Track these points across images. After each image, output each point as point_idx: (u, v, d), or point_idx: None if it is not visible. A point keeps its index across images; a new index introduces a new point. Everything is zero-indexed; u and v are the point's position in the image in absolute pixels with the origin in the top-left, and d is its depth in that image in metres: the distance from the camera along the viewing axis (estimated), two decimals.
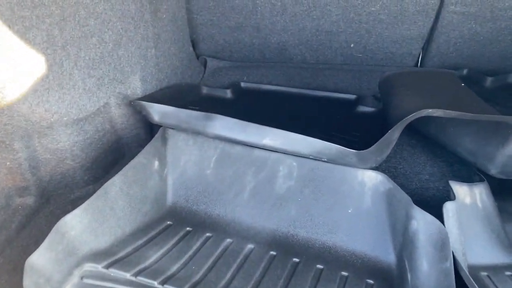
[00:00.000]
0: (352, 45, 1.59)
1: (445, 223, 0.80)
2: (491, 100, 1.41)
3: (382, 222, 0.89)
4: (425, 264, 0.75)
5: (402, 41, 1.54)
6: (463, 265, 0.75)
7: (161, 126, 1.08)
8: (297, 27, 1.56)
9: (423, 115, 0.85)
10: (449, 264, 0.71)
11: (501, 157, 0.95)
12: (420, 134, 1.22)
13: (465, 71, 1.52)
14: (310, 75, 1.59)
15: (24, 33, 0.81)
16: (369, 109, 1.33)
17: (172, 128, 1.07)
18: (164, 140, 1.06)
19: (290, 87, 1.51)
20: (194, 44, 1.66)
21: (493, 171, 0.98)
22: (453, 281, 0.69)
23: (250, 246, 0.90)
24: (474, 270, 0.83)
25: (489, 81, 1.49)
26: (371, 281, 0.82)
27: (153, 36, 1.21)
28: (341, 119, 1.31)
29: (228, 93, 1.45)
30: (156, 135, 1.04)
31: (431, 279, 0.73)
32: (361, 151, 0.91)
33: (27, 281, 0.70)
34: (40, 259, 0.72)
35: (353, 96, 1.41)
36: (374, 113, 1.30)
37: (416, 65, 1.62)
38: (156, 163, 1.01)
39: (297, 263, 0.86)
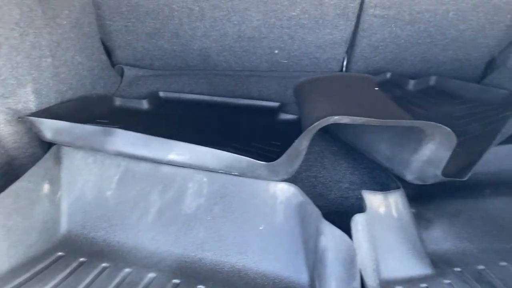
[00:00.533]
0: (276, 51, 1.54)
1: (354, 237, 0.75)
2: (414, 102, 1.41)
3: (295, 239, 0.83)
4: (333, 284, 0.70)
5: (325, 46, 1.51)
6: (373, 283, 0.70)
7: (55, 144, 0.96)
8: (218, 32, 1.49)
9: (329, 122, 0.80)
10: (356, 284, 0.66)
11: (416, 162, 0.93)
12: (342, 141, 1.19)
13: (388, 75, 1.52)
14: (235, 83, 1.53)
15: None
16: (292, 116, 1.29)
17: (68, 146, 0.96)
18: (58, 159, 0.95)
19: (213, 96, 1.44)
20: (109, 52, 1.54)
21: (409, 177, 0.96)
22: None
23: (151, 275, 0.81)
24: (388, 285, 0.79)
25: (411, 84, 1.50)
26: None
27: (49, 44, 1.09)
28: (263, 127, 1.25)
29: (145, 104, 1.36)
30: (46, 155, 0.93)
31: None
32: (271, 162, 0.85)
33: None
34: None
35: (276, 104, 1.36)
36: (296, 120, 1.25)
37: (341, 70, 1.60)
38: (46, 186, 0.90)
39: None
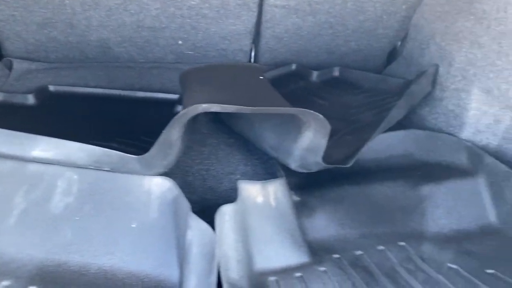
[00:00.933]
0: (180, 42, 1.49)
1: (218, 229, 0.73)
2: (316, 93, 1.42)
3: (168, 235, 0.79)
4: (193, 280, 0.67)
5: (230, 37, 1.48)
6: (236, 275, 0.68)
7: None
8: (116, 22, 1.41)
9: (198, 111, 0.77)
10: (214, 278, 0.63)
11: (297, 150, 0.92)
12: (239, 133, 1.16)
13: (293, 66, 1.53)
14: (136, 75, 1.46)
15: None
16: None
17: None
18: None
19: (110, 89, 1.36)
20: None
21: (293, 165, 0.95)
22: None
23: (4, 283, 0.74)
24: (262, 276, 0.77)
25: (315, 75, 1.51)
26: None
27: None
28: (159, 121, 1.19)
29: (30, 99, 1.26)
30: None
31: None
32: (142, 156, 0.80)
33: None
34: None
35: (175, 96, 1.32)
36: None
37: (249, 61, 1.59)
38: None
39: None
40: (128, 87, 1.39)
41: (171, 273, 0.76)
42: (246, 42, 1.51)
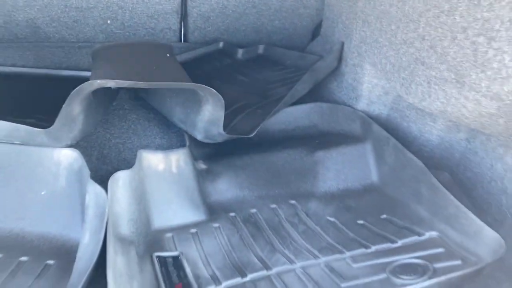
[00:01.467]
0: (108, 22, 1.54)
1: (111, 192, 0.82)
2: (240, 70, 1.51)
3: (74, 201, 0.88)
4: (87, 236, 0.76)
5: (158, 16, 1.54)
6: (127, 231, 0.78)
7: None
8: (42, 2, 1.45)
9: (94, 87, 0.85)
10: (101, 234, 0.72)
11: (200, 123, 1.01)
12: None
13: (221, 44, 1.61)
14: (65, 54, 1.50)
15: None
16: None
17: None
18: None
19: (36, 68, 1.41)
20: None
21: (199, 136, 1.05)
22: (98, 250, 0.71)
23: None
24: (160, 232, 0.87)
25: (240, 53, 1.59)
26: (51, 261, 0.80)
27: None
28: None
29: None
30: None
31: (88, 248, 0.74)
32: (48, 129, 0.88)
33: None
34: None
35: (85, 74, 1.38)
36: None
37: (180, 40, 1.65)
38: None
39: None
40: (55, 66, 1.44)
41: (76, 235, 0.85)
42: (174, 21, 1.57)
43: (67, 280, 0.73)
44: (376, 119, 1.14)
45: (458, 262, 0.72)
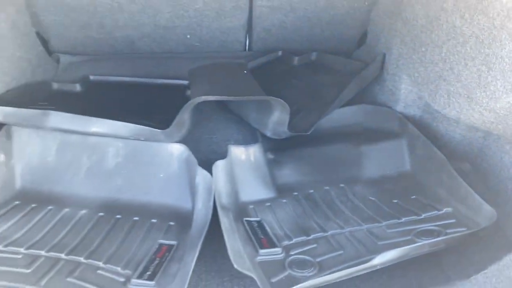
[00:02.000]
0: (188, 36, 1.90)
1: (214, 175, 1.17)
2: (295, 75, 1.82)
3: (184, 181, 1.24)
4: (199, 203, 1.12)
5: (228, 31, 1.88)
6: (225, 201, 1.13)
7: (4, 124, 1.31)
8: (137, 23, 1.82)
9: (200, 101, 1.19)
10: (211, 203, 1.08)
11: (270, 124, 1.34)
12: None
13: (280, 53, 1.92)
14: (155, 65, 1.88)
15: None
16: None
17: (16, 125, 1.31)
18: (9, 136, 1.30)
19: (135, 77, 1.79)
20: (45, 42, 1.84)
21: (269, 134, 1.38)
22: (210, 214, 1.06)
23: (83, 211, 1.20)
24: (245, 204, 1.22)
25: (296, 60, 1.90)
26: (172, 223, 1.17)
27: None
28: (173, 101, 1.62)
29: (78, 87, 1.69)
30: (0, 133, 1.27)
31: (201, 213, 1.10)
32: (165, 130, 1.24)
33: None
34: None
35: (186, 82, 1.74)
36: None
37: (245, 49, 1.98)
38: (2, 156, 1.25)
39: (119, 218, 1.18)
40: (149, 75, 1.81)
41: (186, 204, 1.21)
42: (241, 35, 1.90)
43: (185, 234, 1.09)
44: (410, 119, 1.42)
45: (464, 228, 1.01)
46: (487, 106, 0.97)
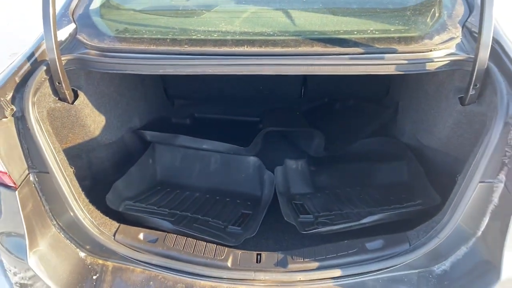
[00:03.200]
0: (261, 87, 2.76)
1: (276, 175, 1.97)
2: (335, 116, 2.60)
3: (257, 178, 2.06)
4: (266, 191, 1.92)
5: (289, 85, 2.71)
6: (282, 190, 1.92)
7: (151, 142, 2.22)
8: (237, 89, 2.69)
9: (269, 130, 2.02)
10: (272, 192, 1.88)
11: (313, 146, 2.13)
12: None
13: (326, 99, 2.72)
14: (237, 106, 2.75)
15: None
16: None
17: (158, 143, 2.21)
18: (154, 149, 2.20)
19: (225, 115, 2.67)
20: (167, 92, 2.79)
21: (311, 153, 2.16)
22: (271, 197, 1.86)
23: (197, 194, 2.05)
24: (294, 194, 1.99)
25: (338, 105, 2.69)
26: (249, 202, 1.97)
27: (142, 96, 2.32)
28: (250, 131, 2.46)
29: (188, 121, 2.60)
30: (149, 149, 2.18)
31: (266, 197, 1.90)
32: (246, 148, 2.07)
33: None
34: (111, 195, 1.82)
35: (257, 118, 2.58)
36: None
37: (300, 97, 2.80)
38: (151, 160, 2.16)
39: (218, 198, 2.01)
40: (233, 113, 2.68)
41: (257, 192, 2.01)
42: (298, 87, 2.70)
43: (257, 208, 1.89)
44: (409, 147, 2.13)
45: (421, 206, 1.70)
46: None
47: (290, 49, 1.51)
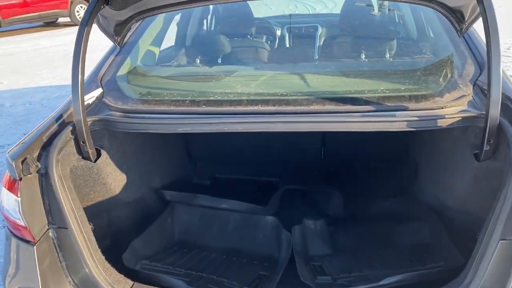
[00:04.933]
0: (280, 148, 2.81)
1: (294, 236, 1.96)
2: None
3: (273, 237, 2.04)
4: (283, 252, 1.90)
5: (308, 147, 2.75)
6: (298, 251, 1.90)
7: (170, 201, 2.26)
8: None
9: (285, 189, 2.04)
10: (289, 251, 1.86)
11: (332, 206, 2.13)
12: None
13: (345, 160, 2.74)
14: (257, 166, 2.79)
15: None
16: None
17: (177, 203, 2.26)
18: (173, 209, 2.24)
19: (244, 175, 2.72)
20: (189, 153, 2.88)
21: (330, 213, 2.15)
22: (288, 256, 1.84)
23: (213, 255, 2.04)
24: (311, 256, 1.96)
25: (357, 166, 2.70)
26: (266, 263, 1.95)
27: (164, 155, 2.41)
28: (268, 191, 2.48)
29: (208, 181, 2.66)
30: (169, 207, 2.22)
31: (283, 256, 1.88)
32: (263, 207, 2.09)
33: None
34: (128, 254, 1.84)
35: (277, 179, 2.61)
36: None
37: (321, 157, 2.82)
38: (169, 219, 2.19)
39: (234, 260, 2.00)
40: (253, 174, 2.72)
41: (275, 251, 1.99)
42: (318, 148, 2.74)
43: (273, 268, 1.86)
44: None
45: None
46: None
47: (302, 107, 1.58)
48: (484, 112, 1.45)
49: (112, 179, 1.85)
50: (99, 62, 2.04)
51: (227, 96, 1.70)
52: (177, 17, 2.99)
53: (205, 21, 3.15)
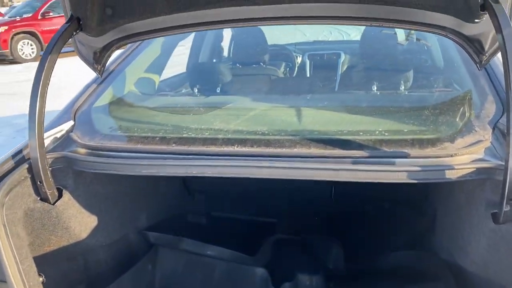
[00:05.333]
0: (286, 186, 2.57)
1: None
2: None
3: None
4: None
5: (316, 187, 2.50)
6: None
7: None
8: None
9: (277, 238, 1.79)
10: None
11: (332, 257, 1.85)
12: None
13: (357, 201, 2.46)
14: (255, 206, 2.55)
15: None
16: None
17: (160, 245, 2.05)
18: (156, 254, 2.03)
19: (242, 215, 2.48)
20: (188, 188, 2.68)
21: (330, 266, 1.87)
22: None
23: None
24: None
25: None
26: None
27: (151, 191, 2.22)
28: (261, 235, 2.23)
29: (203, 220, 2.44)
30: (151, 251, 2.02)
31: None
32: (253, 256, 1.84)
33: None
34: None
35: (274, 220, 2.35)
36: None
37: (331, 197, 2.55)
38: (150, 266, 1.98)
39: None
40: (250, 214, 2.48)
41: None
42: (328, 190, 2.47)
43: None
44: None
45: None
46: None
47: (283, 150, 1.36)
48: (503, 163, 1.17)
49: (76, 222, 1.66)
50: (78, 92, 1.90)
51: (201, 133, 1.50)
52: (182, 42, 2.85)
53: (210, 47, 2.99)
